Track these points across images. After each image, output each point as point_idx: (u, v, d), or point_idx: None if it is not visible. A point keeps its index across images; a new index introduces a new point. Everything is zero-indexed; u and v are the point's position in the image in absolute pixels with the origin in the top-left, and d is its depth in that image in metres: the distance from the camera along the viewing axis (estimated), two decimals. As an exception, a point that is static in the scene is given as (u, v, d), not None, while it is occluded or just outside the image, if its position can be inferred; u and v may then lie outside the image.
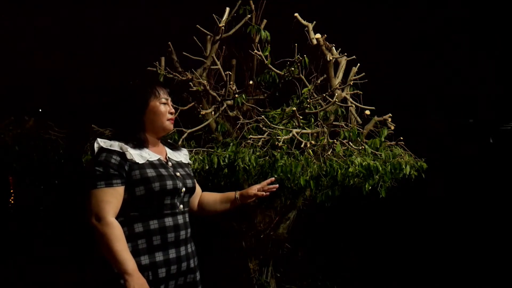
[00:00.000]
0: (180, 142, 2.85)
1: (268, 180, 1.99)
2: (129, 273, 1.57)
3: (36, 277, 4.05)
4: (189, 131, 2.92)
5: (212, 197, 2.04)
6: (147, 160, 1.73)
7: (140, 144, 1.75)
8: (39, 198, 5.07)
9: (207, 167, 2.73)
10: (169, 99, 1.86)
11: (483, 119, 5.92)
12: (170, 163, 1.83)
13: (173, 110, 1.86)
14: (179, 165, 1.88)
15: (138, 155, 1.71)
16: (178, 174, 1.81)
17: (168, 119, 1.83)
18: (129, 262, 1.59)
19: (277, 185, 2.00)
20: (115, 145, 1.69)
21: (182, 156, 1.95)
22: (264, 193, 1.97)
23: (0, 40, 4.66)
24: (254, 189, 1.97)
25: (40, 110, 5.24)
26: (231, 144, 2.82)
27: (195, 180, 1.92)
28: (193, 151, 2.83)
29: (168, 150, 1.89)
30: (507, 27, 4.77)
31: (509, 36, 4.82)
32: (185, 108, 3.01)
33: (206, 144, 3.02)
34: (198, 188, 2.02)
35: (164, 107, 1.82)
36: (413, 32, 4.90)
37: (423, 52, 5.08)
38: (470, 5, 4.58)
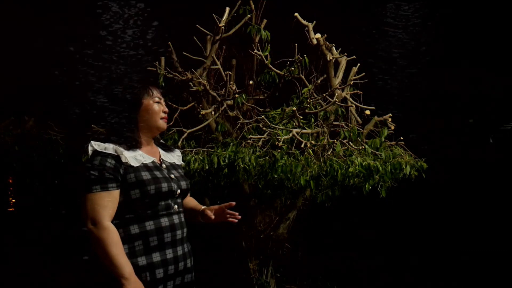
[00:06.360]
0: (180, 142, 2.84)
1: (227, 204, 1.90)
2: (125, 277, 1.57)
3: (36, 277, 4.05)
4: (189, 131, 2.92)
5: (189, 204, 1.99)
6: (142, 163, 1.72)
7: (134, 145, 1.74)
8: (39, 198, 5.06)
9: (207, 167, 2.72)
10: (163, 99, 1.86)
11: (483, 119, 5.92)
12: (164, 165, 1.82)
13: (166, 109, 1.85)
14: (172, 166, 1.86)
15: (132, 158, 1.70)
16: (172, 176, 1.80)
17: (162, 118, 1.82)
18: (125, 266, 1.58)
19: (240, 217, 1.91)
20: (110, 148, 1.68)
21: (176, 157, 1.94)
22: (225, 219, 1.90)
23: (1, 40, 4.67)
24: (211, 212, 1.91)
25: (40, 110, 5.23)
26: (231, 144, 2.82)
27: (189, 181, 1.91)
28: (193, 151, 2.83)
29: (161, 152, 1.88)
30: (507, 27, 4.77)
31: (509, 35, 4.82)
32: (185, 108, 3.01)
33: (206, 144, 3.02)
34: None
35: (158, 106, 1.81)
36: (413, 32, 4.90)
37: (423, 52, 5.09)
38: (471, 5, 4.59)
